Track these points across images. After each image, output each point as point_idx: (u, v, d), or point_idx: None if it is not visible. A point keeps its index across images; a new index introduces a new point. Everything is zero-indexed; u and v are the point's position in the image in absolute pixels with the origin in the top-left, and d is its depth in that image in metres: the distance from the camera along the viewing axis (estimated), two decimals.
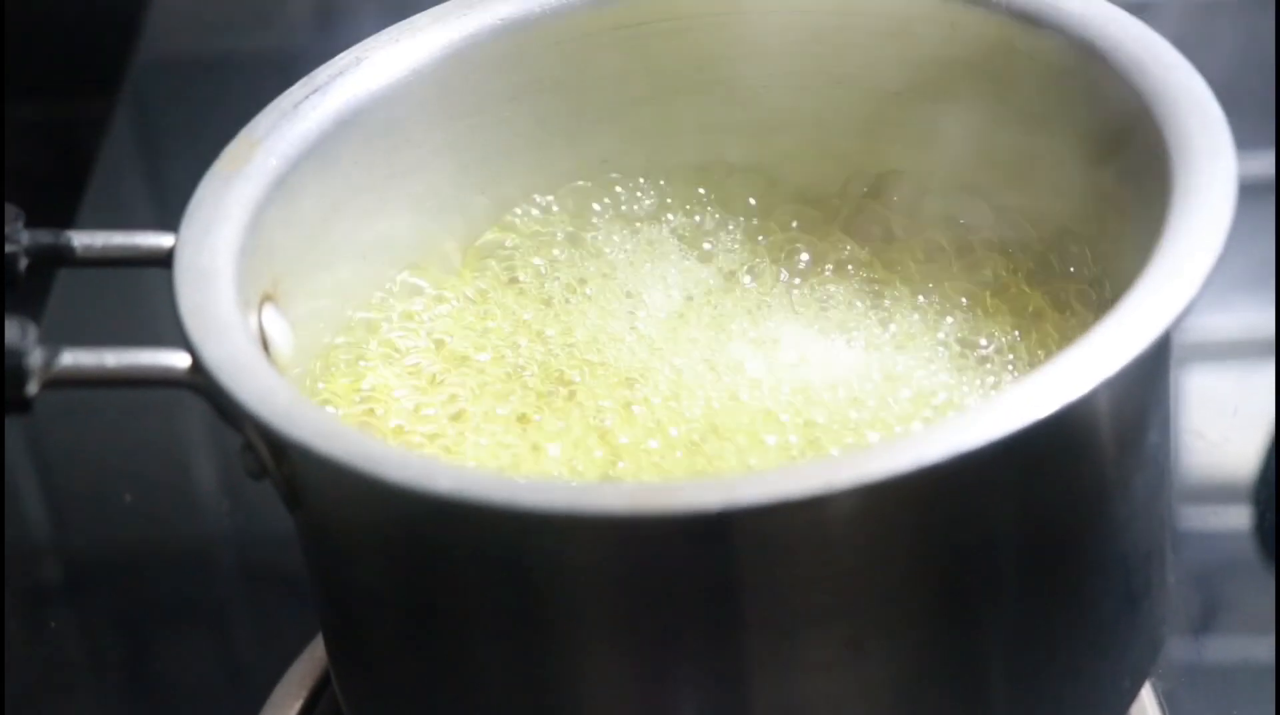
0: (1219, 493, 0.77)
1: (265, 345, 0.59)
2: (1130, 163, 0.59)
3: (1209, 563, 0.75)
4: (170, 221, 0.60)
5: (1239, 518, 0.76)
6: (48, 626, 0.78)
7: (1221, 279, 0.55)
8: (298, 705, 0.69)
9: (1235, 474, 0.77)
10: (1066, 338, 0.60)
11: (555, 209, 0.67)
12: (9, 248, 0.59)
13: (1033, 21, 0.62)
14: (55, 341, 0.56)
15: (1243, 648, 0.72)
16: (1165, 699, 0.68)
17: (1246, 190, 0.56)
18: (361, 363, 0.63)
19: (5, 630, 0.76)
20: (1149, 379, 0.57)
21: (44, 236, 0.60)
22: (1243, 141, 0.57)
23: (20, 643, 0.77)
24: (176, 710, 0.75)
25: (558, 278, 0.65)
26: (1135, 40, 0.60)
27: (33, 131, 1.08)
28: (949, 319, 0.63)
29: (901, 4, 0.64)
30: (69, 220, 0.93)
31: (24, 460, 0.84)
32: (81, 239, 0.60)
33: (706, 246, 0.66)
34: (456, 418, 0.61)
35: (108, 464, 0.83)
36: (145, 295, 0.83)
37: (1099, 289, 0.62)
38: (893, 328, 0.63)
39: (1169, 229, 0.55)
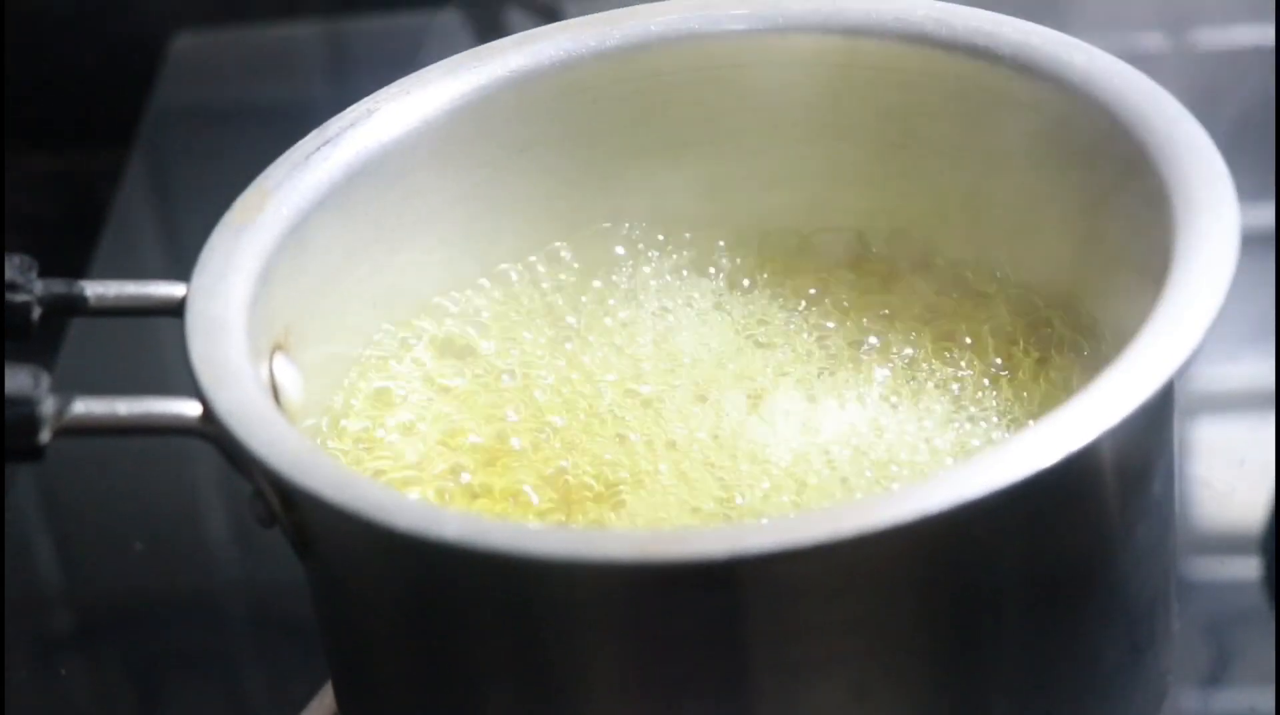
0: (1226, 543, 0.78)
1: (276, 393, 0.60)
2: (1133, 214, 0.60)
3: (1216, 613, 0.75)
4: (183, 270, 0.60)
5: (1246, 568, 0.76)
6: (58, 675, 0.78)
7: (1226, 330, 0.55)
8: None
9: (1242, 524, 0.77)
10: (1069, 388, 0.61)
11: (565, 258, 0.68)
12: (22, 297, 0.59)
13: (1036, 74, 0.62)
14: (67, 389, 0.57)
15: (1249, 698, 0.72)
16: None
17: (1247, 241, 0.56)
18: (372, 409, 0.64)
19: (14, 678, 0.77)
20: (1153, 428, 0.57)
21: (57, 285, 0.60)
22: (1243, 193, 0.58)
23: (30, 691, 0.77)
24: None
25: (562, 330, 0.66)
26: (1138, 92, 0.60)
27: (47, 181, 1.08)
28: (948, 370, 0.63)
29: (904, 58, 0.64)
30: (83, 269, 0.93)
31: (34, 507, 0.85)
32: (94, 288, 0.61)
33: (714, 298, 0.67)
34: (456, 471, 0.61)
35: (118, 511, 0.83)
36: (159, 343, 0.83)
37: (1100, 340, 0.62)
38: (890, 379, 0.63)
39: (1172, 279, 0.55)
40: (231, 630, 0.80)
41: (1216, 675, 0.72)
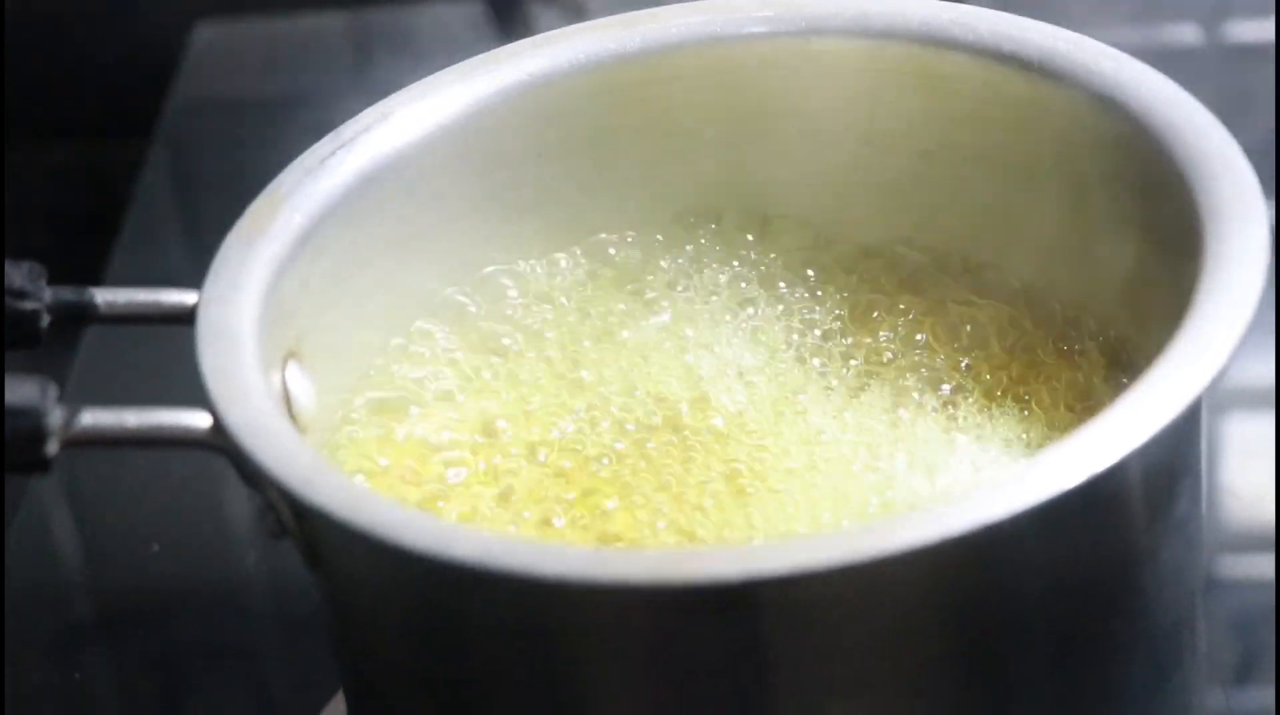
0: (1254, 542, 0.77)
1: (288, 402, 0.59)
2: (1160, 225, 0.59)
3: (1244, 613, 0.74)
4: (203, 266, 0.60)
5: (1270, 568, 0.75)
6: (79, 670, 0.78)
7: (1261, 330, 0.54)
8: None
9: (1270, 526, 0.76)
10: (1093, 407, 0.60)
11: (583, 262, 0.67)
12: (31, 305, 0.59)
13: (1066, 82, 0.61)
14: (79, 398, 0.56)
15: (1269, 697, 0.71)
16: None
17: None
18: (386, 418, 0.63)
19: (34, 675, 0.76)
20: (1179, 448, 0.56)
21: (66, 293, 0.60)
22: None
23: (51, 686, 0.77)
24: None
25: (578, 334, 0.65)
26: (1168, 102, 0.59)
27: (68, 173, 1.08)
28: (968, 384, 0.62)
29: (933, 62, 0.63)
30: (103, 262, 0.93)
31: (54, 503, 0.84)
32: (105, 296, 0.60)
33: (736, 305, 0.66)
34: (468, 483, 0.61)
35: (136, 509, 0.83)
36: (176, 350, 0.83)
37: (1128, 355, 0.61)
38: (917, 393, 0.62)
39: (1200, 295, 0.54)
40: (252, 627, 0.80)
41: (1243, 675, 0.72)
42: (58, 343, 0.61)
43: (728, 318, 0.65)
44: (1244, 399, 0.81)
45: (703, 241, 0.67)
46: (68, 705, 0.76)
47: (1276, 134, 0.84)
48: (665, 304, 0.66)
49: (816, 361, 0.64)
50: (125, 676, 0.79)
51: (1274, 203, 0.57)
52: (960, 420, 0.61)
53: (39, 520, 0.83)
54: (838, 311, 0.65)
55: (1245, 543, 0.77)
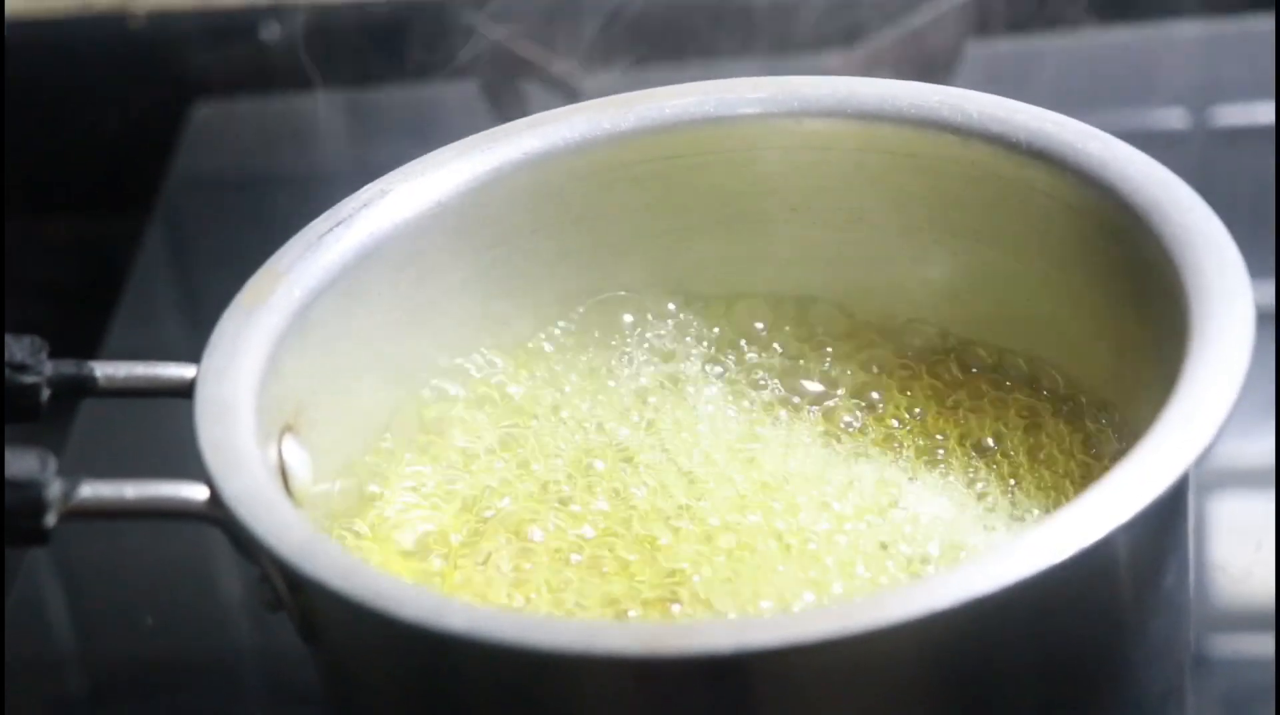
0: (1243, 621, 0.77)
1: (285, 475, 0.60)
2: (1148, 303, 0.59)
3: (1233, 692, 0.74)
4: (201, 340, 0.60)
5: (1264, 646, 0.76)
6: None
7: (1249, 407, 0.54)
8: None
9: (1260, 604, 0.77)
10: (1082, 481, 0.60)
11: (580, 338, 0.68)
12: (32, 378, 0.59)
13: (1053, 162, 0.62)
14: (77, 468, 0.56)
15: None
16: None
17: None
18: (383, 492, 0.64)
19: None
20: (1166, 522, 0.57)
21: (67, 366, 0.60)
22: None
23: None
24: None
25: (574, 410, 0.66)
26: (1154, 182, 0.60)
27: (65, 247, 1.08)
28: (958, 459, 0.63)
29: (922, 142, 0.64)
30: (100, 336, 0.93)
31: (47, 576, 0.84)
32: (104, 369, 0.61)
33: (724, 377, 0.67)
34: (468, 549, 0.61)
35: (129, 583, 0.83)
36: (172, 421, 0.83)
37: (1116, 431, 0.61)
38: (900, 463, 0.63)
39: (1186, 372, 0.55)
40: (246, 700, 0.80)
41: None
42: (53, 414, 0.62)
43: (721, 390, 0.66)
44: (1238, 477, 0.82)
45: (696, 316, 0.68)
46: None
47: (1277, 211, 0.85)
48: (654, 375, 0.66)
49: (803, 430, 0.64)
50: None
51: (1272, 283, 0.57)
52: (947, 490, 0.61)
53: (33, 592, 0.83)
54: (823, 383, 0.66)
55: (1241, 621, 0.77)
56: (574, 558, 0.60)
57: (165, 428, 0.84)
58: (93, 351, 0.91)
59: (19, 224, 1.05)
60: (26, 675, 0.79)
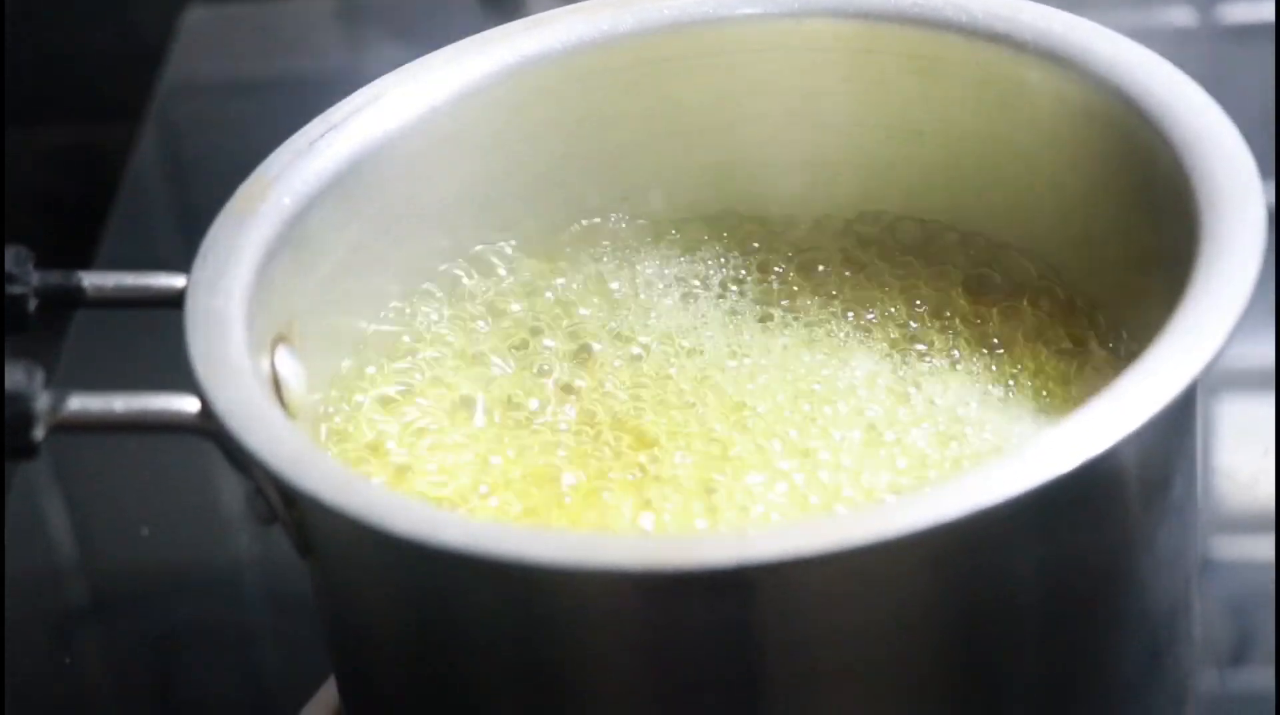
0: (1249, 526, 0.76)
1: (278, 386, 0.59)
2: (1157, 208, 0.58)
3: (1240, 595, 0.74)
4: (193, 250, 0.59)
5: (1270, 550, 0.75)
6: (70, 655, 0.78)
7: (1261, 312, 0.54)
8: None
9: (1268, 509, 0.76)
10: (1087, 390, 0.59)
11: (575, 244, 0.67)
12: (19, 289, 0.58)
13: (1061, 63, 0.61)
14: (68, 383, 0.56)
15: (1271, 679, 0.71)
16: None
17: None
18: (377, 402, 0.63)
19: (26, 660, 0.76)
20: (1174, 432, 0.56)
21: (54, 277, 0.59)
22: None
23: (43, 670, 0.76)
24: None
25: (573, 318, 0.65)
26: (1164, 83, 0.59)
27: (57, 157, 1.07)
28: (959, 363, 0.62)
29: (927, 43, 0.63)
30: (92, 246, 0.93)
31: (45, 489, 0.84)
32: (92, 280, 0.60)
33: (725, 284, 0.66)
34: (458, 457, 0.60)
35: (126, 493, 0.83)
36: (167, 333, 0.83)
37: (1122, 338, 0.61)
38: (911, 373, 0.62)
39: (1196, 278, 0.54)
40: (244, 610, 0.80)
41: (1238, 656, 0.71)
42: (46, 327, 0.61)
43: (721, 297, 0.65)
44: (1240, 381, 0.81)
45: (695, 222, 0.67)
46: (61, 689, 0.76)
47: (1276, 119, 0.84)
48: (653, 286, 0.66)
49: (806, 336, 0.63)
50: (116, 661, 0.79)
51: (1273, 184, 0.57)
52: (951, 394, 0.61)
53: (30, 506, 0.83)
54: (827, 288, 0.65)
55: (1242, 524, 0.77)
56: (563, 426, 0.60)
57: (161, 340, 0.84)
58: (85, 262, 0.90)
59: (10, 134, 1.05)
60: (25, 587, 0.78)
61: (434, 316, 0.65)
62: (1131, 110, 0.59)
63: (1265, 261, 0.54)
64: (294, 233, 0.60)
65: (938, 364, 0.62)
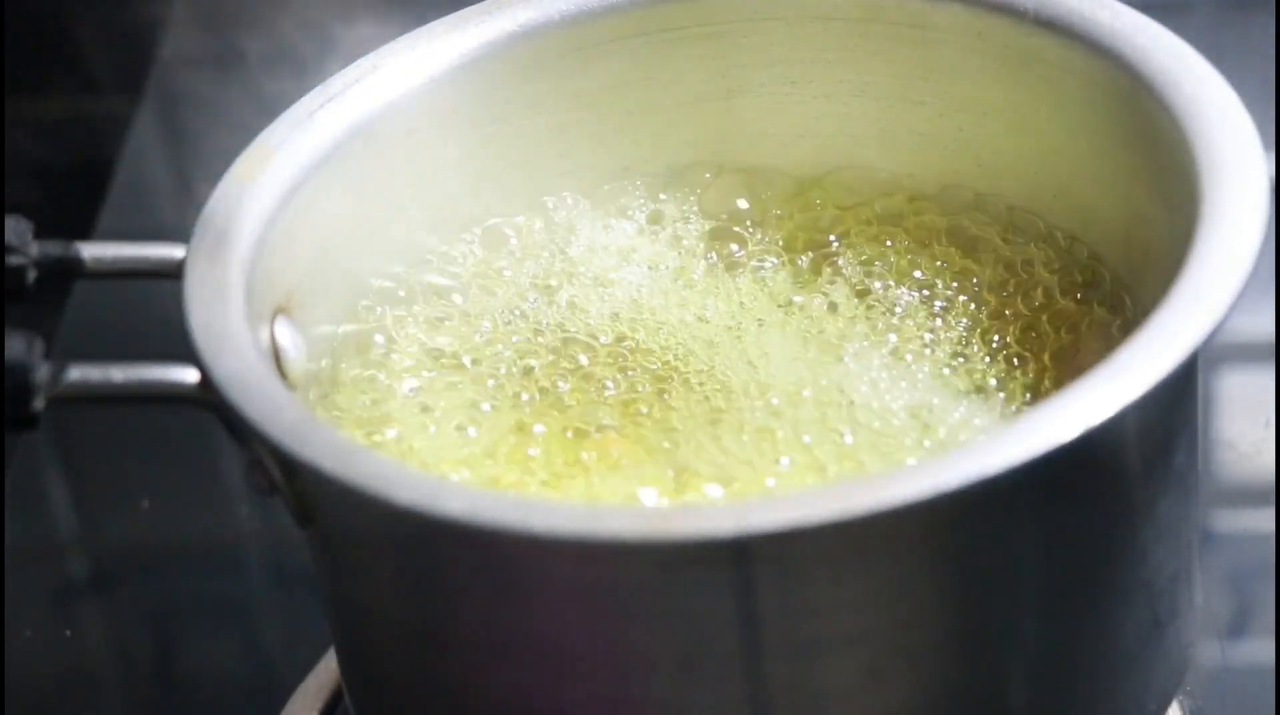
0: (1251, 498, 0.77)
1: (277, 357, 0.59)
2: (1159, 176, 0.58)
3: (1241, 566, 0.74)
4: (193, 220, 0.59)
5: (1271, 522, 0.75)
6: (70, 626, 0.78)
7: (1264, 283, 0.54)
8: (319, 708, 0.69)
9: (1269, 481, 0.76)
10: (1089, 357, 0.59)
11: (576, 214, 0.67)
12: (18, 259, 0.58)
13: (1061, 31, 0.61)
14: (67, 354, 0.56)
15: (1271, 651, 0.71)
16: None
17: None
18: (378, 374, 0.63)
19: (26, 630, 0.76)
20: (1176, 401, 0.56)
21: (53, 248, 0.59)
22: None
23: (43, 641, 0.76)
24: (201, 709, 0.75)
25: (576, 287, 0.65)
26: (1166, 52, 0.59)
27: (56, 128, 1.07)
28: (964, 334, 0.62)
29: (927, 12, 0.63)
30: (91, 218, 0.93)
31: (45, 460, 0.84)
32: (91, 250, 0.60)
33: (726, 253, 0.66)
34: (460, 429, 0.60)
35: (126, 465, 0.83)
36: (166, 304, 0.83)
37: (1124, 306, 0.60)
38: (914, 338, 0.62)
39: (1198, 247, 0.54)
40: (244, 581, 0.80)
41: (1239, 629, 0.71)
42: (46, 298, 0.61)
43: (724, 268, 0.65)
44: (1241, 353, 0.81)
45: (694, 192, 0.67)
46: (61, 661, 0.76)
47: (1277, 90, 0.84)
48: (655, 254, 0.65)
49: (805, 306, 0.63)
50: (117, 633, 0.79)
51: (1273, 154, 0.57)
52: (950, 365, 0.61)
53: (30, 478, 0.83)
54: (831, 257, 0.65)
55: (1243, 496, 0.77)
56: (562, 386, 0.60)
57: (160, 310, 0.84)
58: (85, 233, 0.90)
59: (10, 105, 1.04)
60: (25, 559, 0.78)
61: (435, 286, 0.65)
62: (1133, 79, 0.59)
63: (1266, 234, 0.54)
64: (293, 203, 0.60)
65: (937, 331, 0.62)
